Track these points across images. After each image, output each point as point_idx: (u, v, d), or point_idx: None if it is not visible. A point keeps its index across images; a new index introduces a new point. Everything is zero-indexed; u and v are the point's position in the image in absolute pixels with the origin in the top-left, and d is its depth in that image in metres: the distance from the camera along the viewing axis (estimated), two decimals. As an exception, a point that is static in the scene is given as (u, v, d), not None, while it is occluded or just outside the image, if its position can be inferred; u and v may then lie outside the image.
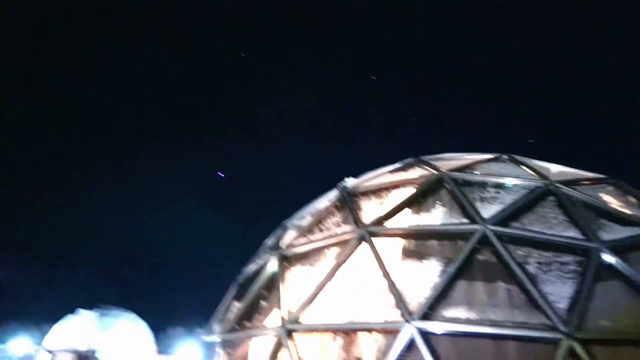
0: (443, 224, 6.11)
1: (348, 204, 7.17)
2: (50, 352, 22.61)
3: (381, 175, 8.26)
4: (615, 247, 5.79)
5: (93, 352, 19.04)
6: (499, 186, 6.79)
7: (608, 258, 5.62)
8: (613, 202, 7.27)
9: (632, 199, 7.64)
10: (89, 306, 36.54)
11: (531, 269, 5.45)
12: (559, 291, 5.24)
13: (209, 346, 7.88)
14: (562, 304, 5.11)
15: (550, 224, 6.14)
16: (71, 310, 36.15)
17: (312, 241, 6.99)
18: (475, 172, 7.32)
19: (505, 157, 8.44)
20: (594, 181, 7.90)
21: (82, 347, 27.87)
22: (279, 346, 5.84)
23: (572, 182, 7.38)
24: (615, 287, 5.43)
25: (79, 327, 34.04)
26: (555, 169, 8.32)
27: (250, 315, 6.96)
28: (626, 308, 5.23)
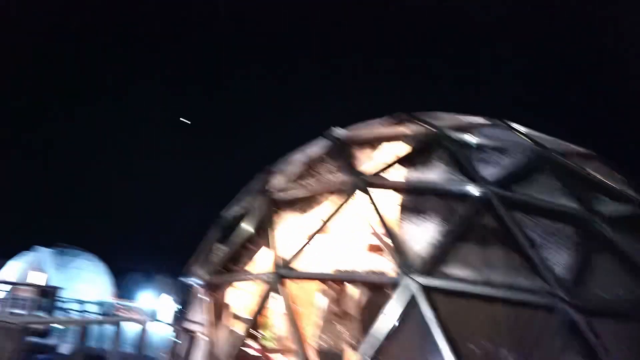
0: (444, 182, 5.94)
1: (342, 152, 6.87)
2: (9, 283, 21.84)
3: (373, 127, 8.00)
4: (610, 220, 5.81)
5: (56, 288, 18.45)
6: (498, 150, 6.67)
7: (604, 230, 5.63)
8: (602, 176, 7.31)
9: (618, 176, 7.74)
10: (47, 245, 35.57)
11: (531, 233, 5.37)
12: (558, 258, 5.20)
13: (187, 290, 7.59)
14: (561, 271, 5.07)
15: (548, 191, 6.09)
16: (28, 247, 35.18)
17: (304, 187, 6.68)
18: (473, 133, 7.19)
19: (499, 122, 8.38)
20: (583, 155, 8.00)
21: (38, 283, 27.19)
22: (269, 292, 5.62)
23: (565, 154, 7.42)
24: (609, 259, 5.44)
25: (35, 263, 33.25)
26: (546, 138, 8.33)
27: (236, 259, 6.66)
28: (620, 280, 5.25)
